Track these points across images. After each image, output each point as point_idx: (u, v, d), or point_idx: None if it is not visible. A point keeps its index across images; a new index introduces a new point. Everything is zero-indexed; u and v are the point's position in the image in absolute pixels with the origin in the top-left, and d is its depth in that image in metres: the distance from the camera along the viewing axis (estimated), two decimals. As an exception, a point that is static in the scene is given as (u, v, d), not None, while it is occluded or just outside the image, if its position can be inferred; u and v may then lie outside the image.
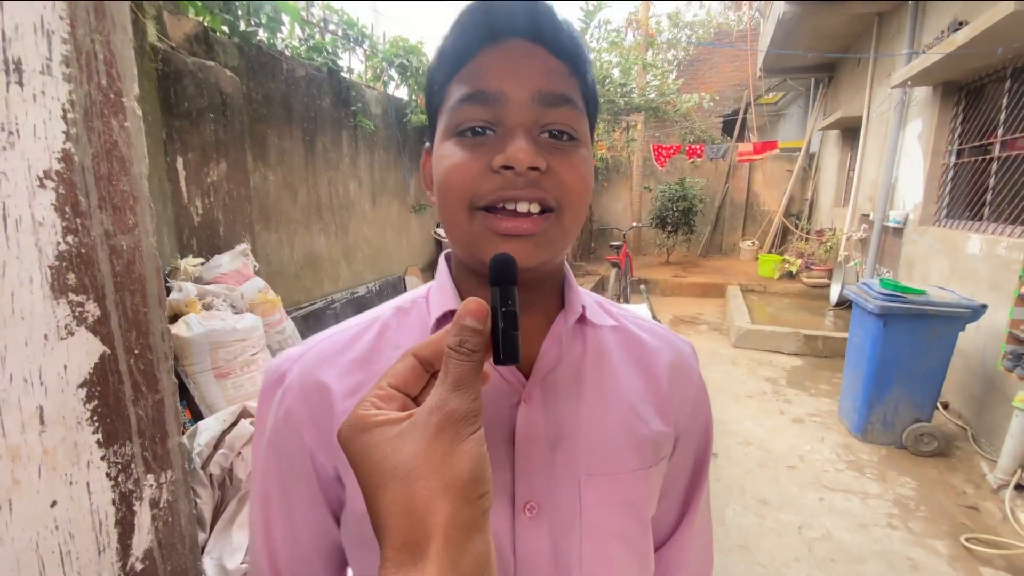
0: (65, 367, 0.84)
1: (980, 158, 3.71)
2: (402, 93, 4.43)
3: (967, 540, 2.22)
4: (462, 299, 0.48)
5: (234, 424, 1.43)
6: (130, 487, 0.94)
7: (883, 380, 3.00)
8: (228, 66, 2.48)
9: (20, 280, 0.78)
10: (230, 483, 1.30)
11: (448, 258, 0.52)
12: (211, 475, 1.28)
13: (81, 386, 0.86)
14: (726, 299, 6.64)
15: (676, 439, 0.54)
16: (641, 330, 0.55)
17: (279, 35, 2.94)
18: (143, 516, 0.97)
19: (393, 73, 4.18)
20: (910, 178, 4.62)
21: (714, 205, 9.54)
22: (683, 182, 8.52)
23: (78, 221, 0.84)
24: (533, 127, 0.41)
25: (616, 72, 7.92)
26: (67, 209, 0.82)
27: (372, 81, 4.12)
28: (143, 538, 0.97)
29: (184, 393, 1.58)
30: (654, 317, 3.55)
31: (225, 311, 1.81)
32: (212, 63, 2.28)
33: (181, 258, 2.03)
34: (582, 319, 0.50)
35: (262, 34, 2.77)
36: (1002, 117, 3.46)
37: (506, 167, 0.39)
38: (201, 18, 2.38)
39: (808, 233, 8.18)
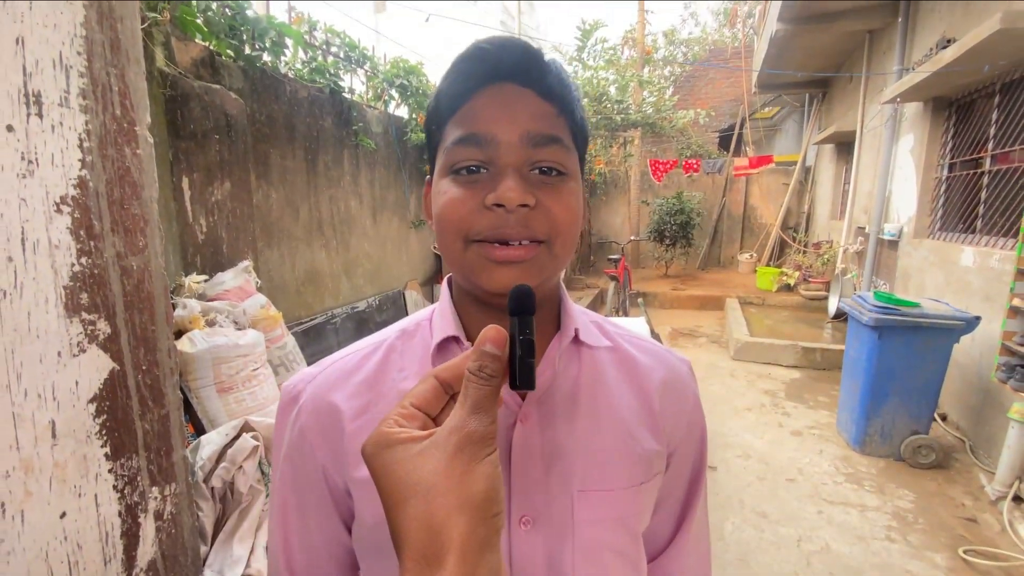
0: (76, 383, 0.87)
1: (972, 172, 3.77)
2: (402, 112, 4.52)
3: (965, 552, 2.22)
4: (463, 324, 0.51)
5: (236, 438, 1.46)
6: (135, 499, 0.97)
7: (879, 392, 3.02)
8: (233, 89, 2.55)
9: (36, 300, 0.82)
10: (231, 496, 1.33)
11: (450, 283, 0.55)
12: (213, 488, 1.31)
13: (91, 401, 0.89)
14: (725, 311, 6.67)
15: (670, 456, 0.55)
16: (636, 349, 0.57)
17: (283, 58, 3.03)
18: (148, 528, 1.00)
19: (394, 93, 4.28)
20: (904, 191, 4.68)
21: (712, 218, 9.63)
22: (680, 196, 8.62)
23: (91, 244, 0.88)
24: (523, 166, 0.44)
25: (613, 89, 8.06)
26: (81, 232, 0.87)
27: (373, 101, 4.22)
28: (147, 549, 1.00)
29: (187, 408, 1.61)
30: (652, 330, 3.57)
31: (228, 327, 1.85)
32: (218, 86, 2.36)
33: (185, 275, 2.08)
34: (576, 340, 0.52)
35: (266, 57, 2.86)
36: (992, 131, 3.53)
37: (498, 204, 0.42)
38: (208, 43, 2.46)
39: (805, 246, 8.24)
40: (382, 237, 4.32)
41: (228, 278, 2.15)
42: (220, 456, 1.36)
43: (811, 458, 3.16)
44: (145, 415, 0.98)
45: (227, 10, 2.58)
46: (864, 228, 5.62)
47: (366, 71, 3.98)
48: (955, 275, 3.58)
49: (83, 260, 0.86)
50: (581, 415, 0.50)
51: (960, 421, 3.37)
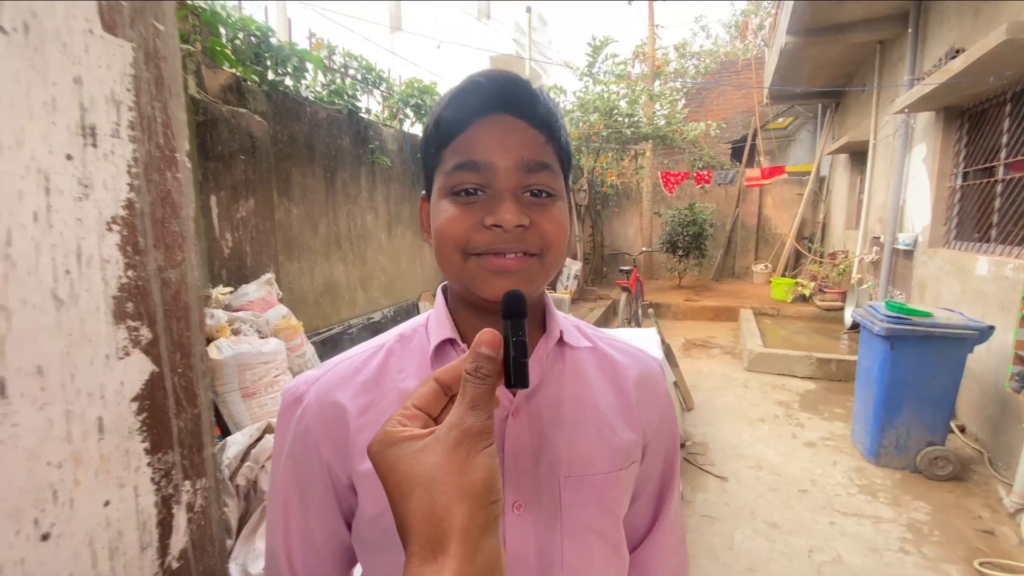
0: (122, 383, 0.97)
1: (985, 180, 3.75)
2: (417, 130, 4.67)
3: (981, 565, 2.19)
4: (457, 328, 0.55)
5: (259, 439, 1.55)
6: (170, 491, 1.06)
7: (893, 403, 3.00)
8: (257, 112, 2.70)
9: (89, 308, 0.92)
10: (255, 494, 1.41)
11: (445, 290, 0.59)
12: (238, 486, 1.40)
13: (134, 400, 0.99)
14: (739, 322, 6.63)
15: (645, 446, 0.60)
16: (613, 350, 0.63)
17: (303, 81, 3.19)
18: (180, 519, 1.08)
19: (408, 112, 4.43)
20: (918, 201, 4.65)
21: (726, 229, 9.60)
22: (693, 207, 8.63)
23: (137, 258, 0.98)
24: (517, 189, 0.48)
25: (623, 103, 8.15)
26: (128, 248, 0.97)
27: (389, 120, 4.38)
28: (180, 539, 1.08)
29: (215, 411, 1.71)
30: (663, 340, 3.59)
31: (252, 336, 1.96)
32: (244, 110, 2.51)
33: (212, 287, 2.20)
34: (561, 342, 0.57)
35: (288, 82, 3.02)
36: (1004, 140, 3.52)
37: (496, 225, 0.47)
38: (235, 70, 2.62)
39: (821, 256, 8.17)
40: (397, 250, 4.45)
41: (252, 290, 2.27)
42: (244, 456, 1.45)
43: (825, 469, 3.14)
44: (180, 414, 1.07)
45: (252, 38, 2.74)
46: (879, 238, 5.57)
47: (382, 92, 4.14)
48: (970, 285, 3.55)
49: (129, 273, 0.97)
50: (566, 409, 0.55)
51: (978, 432, 3.31)
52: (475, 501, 0.31)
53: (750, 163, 9.68)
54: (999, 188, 3.56)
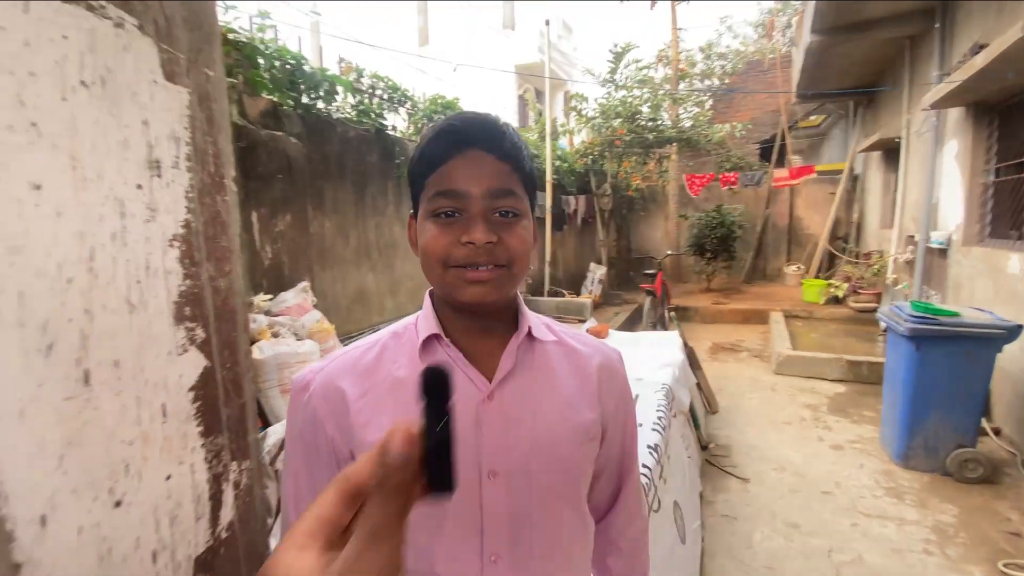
0: (180, 376, 1.15)
1: (1018, 176, 3.63)
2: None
3: (1005, 566, 2.16)
4: (442, 324, 0.64)
5: (295, 433, 1.72)
6: (220, 470, 1.23)
7: (920, 404, 2.95)
8: (293, 134, 2.94)
9: (155, 312, 1.10)
10: (291, 479, 1.58)
11: (431, 294, 0.68)
12: (276, 471, 1.57)
13: (190, 390, 1.16)
14: (769, 325, 6.52)
15: (604, 428, 0.69)
16: (576, 342, 0.72)
17: (334, 104, 3.42)
18: (228, 494, 1.25)
19: (433, 126, 4.63)
20: (950, 198, 4.52)
21: (755, 231, 9.41)
22: (720, 209, 8.52)
23: (193, 269, 1.16)
24: (487, 211, 0.58)
25: (646, 108, 8.17)
26: (186, 261, 1.15)
27: (414, 135, 4.59)
28: (227, 512, 1.25)
29: (257, 403, 1.89)
30: (685, 344, 3.62)
31: (289, 338, 2.15)
32: (280, 133, 2.74)
33: (254, 295, 2.42)
34: (530, 336, 0.66)
35: (320, 105, 3.25)
36: (1037, 135, 3.42)
37: (470, 242, 0.57)
38: (272, 97, 2.86)
39: (856, 256, 7.92)
40: (423, 259, 4.64)
41: (289, 297, 2.48)
42: (282, 444, 1.62)
43: (850, 472, 3.10)
44: (228, 403, 1.24)
45: (288, 66, 2.98)
46: (914, 237, 5.41)
47: (407, 109, 4.36)
48: (1004, 284, 3.44)
49: (187, 282, 1.14)
50: (534, 392, 0.64)
51: (1013, 435, 3.21)
52: None
53: (779, 163, 9.49)
54: (1034, 183, 3.45)
